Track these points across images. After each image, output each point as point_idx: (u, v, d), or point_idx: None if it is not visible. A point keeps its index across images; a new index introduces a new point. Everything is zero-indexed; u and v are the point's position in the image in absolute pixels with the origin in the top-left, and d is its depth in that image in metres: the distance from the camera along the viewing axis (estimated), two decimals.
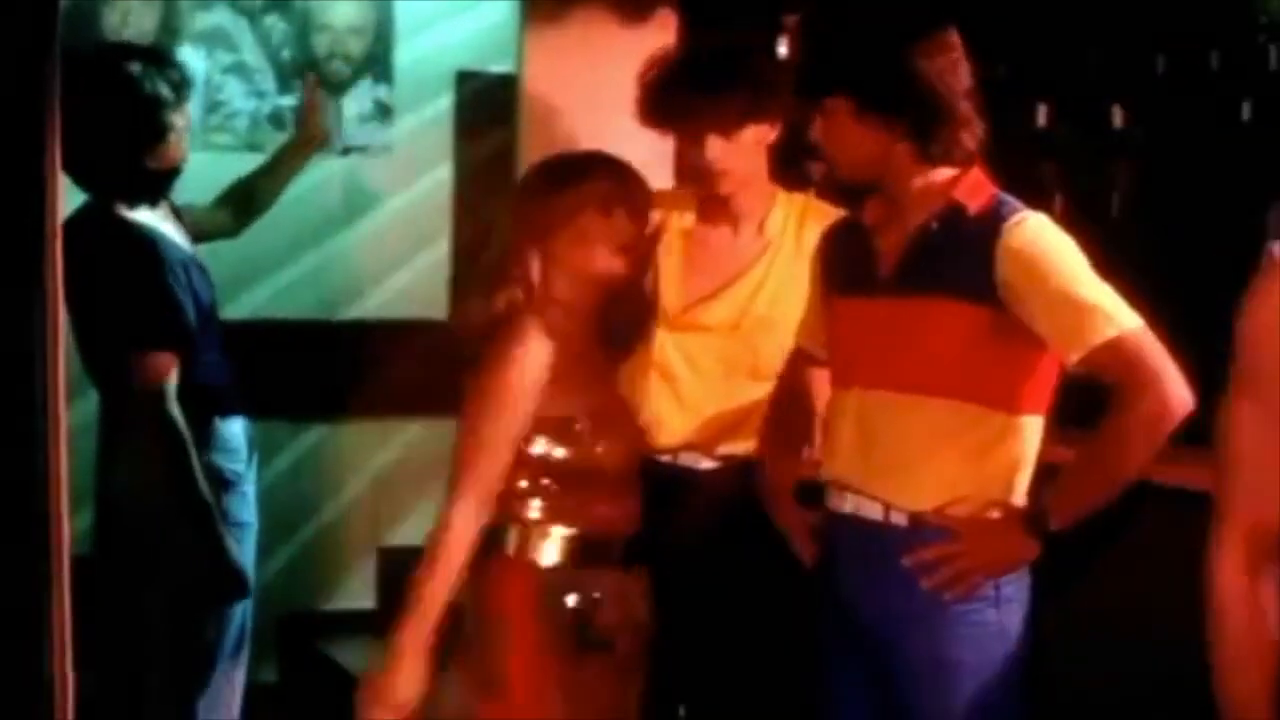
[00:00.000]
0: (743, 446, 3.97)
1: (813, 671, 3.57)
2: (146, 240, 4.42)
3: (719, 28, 4.36)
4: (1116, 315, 3.20)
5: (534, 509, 3.50)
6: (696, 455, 4.02)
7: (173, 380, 4.33)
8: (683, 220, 4.06)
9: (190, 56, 5.59)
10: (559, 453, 3.47)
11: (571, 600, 3.48)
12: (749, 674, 4.03)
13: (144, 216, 4.45)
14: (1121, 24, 5.15)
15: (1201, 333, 4.69)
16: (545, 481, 3.49)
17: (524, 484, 3.47)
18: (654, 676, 4.07)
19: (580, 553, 3.51)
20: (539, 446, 3.45)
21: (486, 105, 5.16)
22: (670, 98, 3.94)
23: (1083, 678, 3.91)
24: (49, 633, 3.31)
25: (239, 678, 4.69)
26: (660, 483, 4.00)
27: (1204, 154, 5.02)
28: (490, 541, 3.45)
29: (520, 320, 3.43)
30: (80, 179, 4.33)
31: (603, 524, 3.54)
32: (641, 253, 3.58)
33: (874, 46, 3.35)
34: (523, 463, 3.45)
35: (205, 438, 4.46)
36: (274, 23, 5.92)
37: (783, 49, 4.79)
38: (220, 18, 5.86)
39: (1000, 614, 3.32)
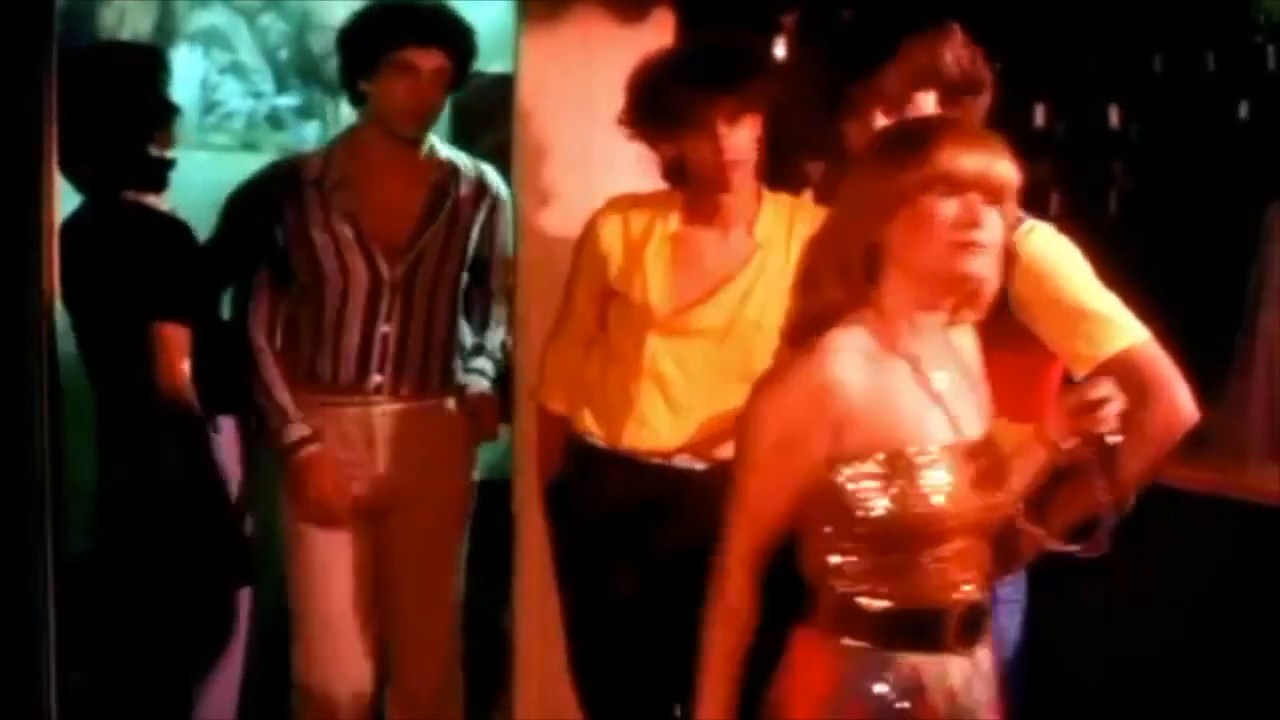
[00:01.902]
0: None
1: None
2: (164, 218, 4.52)
3: (716, 28, 4.35)
4: (1127, 327, 3.21)
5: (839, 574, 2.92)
6: (690, 458, 4.02)
7: (186, 358, 4.37)
8: (670, 223, 4.05)
9: (187, 56, 5.60)
10: (878, 501, 2.86)
11: (879, 688, 2.91)
12: (751, 669, 4.02)
13: (153, 202, 4.51)
14: (1118, 23, 5.14)
15: (1198, 333, 4.71)
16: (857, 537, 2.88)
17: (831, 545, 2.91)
18: (649, 677, 4.09)
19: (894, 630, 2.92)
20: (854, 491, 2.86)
21: (483, 105, 5.15)
22: (671, 99, 3.93)
23: (1077, 676, 3.91)
24: (42, 631, 3.31)
25: (236, 671, 4.71)
26: (654, 485, 4.00)
27: (1201, 154, 5.02)
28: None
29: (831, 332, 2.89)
30: (84, 173, 4.38)
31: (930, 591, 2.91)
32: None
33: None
34: (829, 517, 2.89)
35: (208, 427, 4.50)
36: (271, 22, 5.92)
37: (780, 49, 4.79)
38: (217, 17, 5.86)
39: (998, 617, 3.31)
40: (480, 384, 4.61)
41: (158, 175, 4.56)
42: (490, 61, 4.74)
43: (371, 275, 4.42)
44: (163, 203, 4.57)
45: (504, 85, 4.73)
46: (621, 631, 4.10)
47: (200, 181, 4.80)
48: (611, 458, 4.06)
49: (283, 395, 4.44)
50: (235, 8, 5.88)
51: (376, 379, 4.45)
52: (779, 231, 4.01)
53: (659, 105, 3.96)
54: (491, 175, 4.64)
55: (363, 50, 4.42)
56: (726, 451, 3.97)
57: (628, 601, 4.07)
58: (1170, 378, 3.19)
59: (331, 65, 4.93)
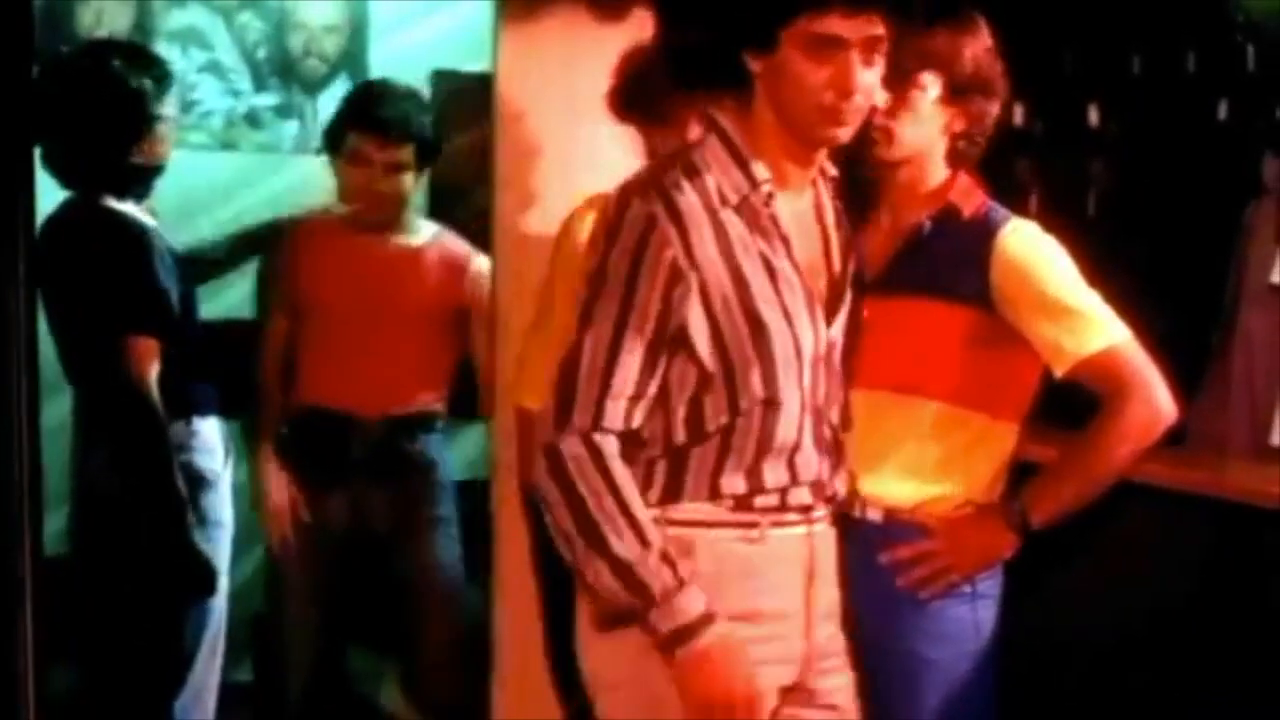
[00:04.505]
0: None
1: None
2: (134, 227, 4.47)
3: (696, 27, 4.34)
4: (1108, 326, 3.26)
5: None
6: None
7: (154, 368, 4.33)
8: None
9: (164, 55, 5.57)
10: None
11: None
12: None
13: (129, 209, 4.48)
14: (1098, 22, 5.15)
15: (1176, 331, 4.72)
16: None
17: None
18: None
19: None
20: None
21: (462, 104, 5.15)
22: (644, 92, 3.93)
23: (1054, 671, 3.91)
24: (19, 632, 3.30)
25: (214, 678, 4.69)
26: None
27: (1180, 153, 5.02)
28: None
29: None
30: (68, 174, 4.38)
31: None
32: None
33: None
34: None
35: (183, 436, 4.46)
36: (249, 21, 5.91)
37: None
38: (195, 16, 5.85)
39: (975, 611, 3.33)
40: None
41: (138, 182, 4.53)
42: (467, 60, 4.74)
43: None
44: (142, 208, 4.54)
45: (481, 84, 4.73)
46: None
47: (178, 180, 4.79)
48: None
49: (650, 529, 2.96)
50: (213, 7, 5.87)
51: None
52: None
53: (639, 95, 3.96)
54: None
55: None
56: None
57: None
58: (1150, 377, 3.23)
59: (309, 64, 4.93)
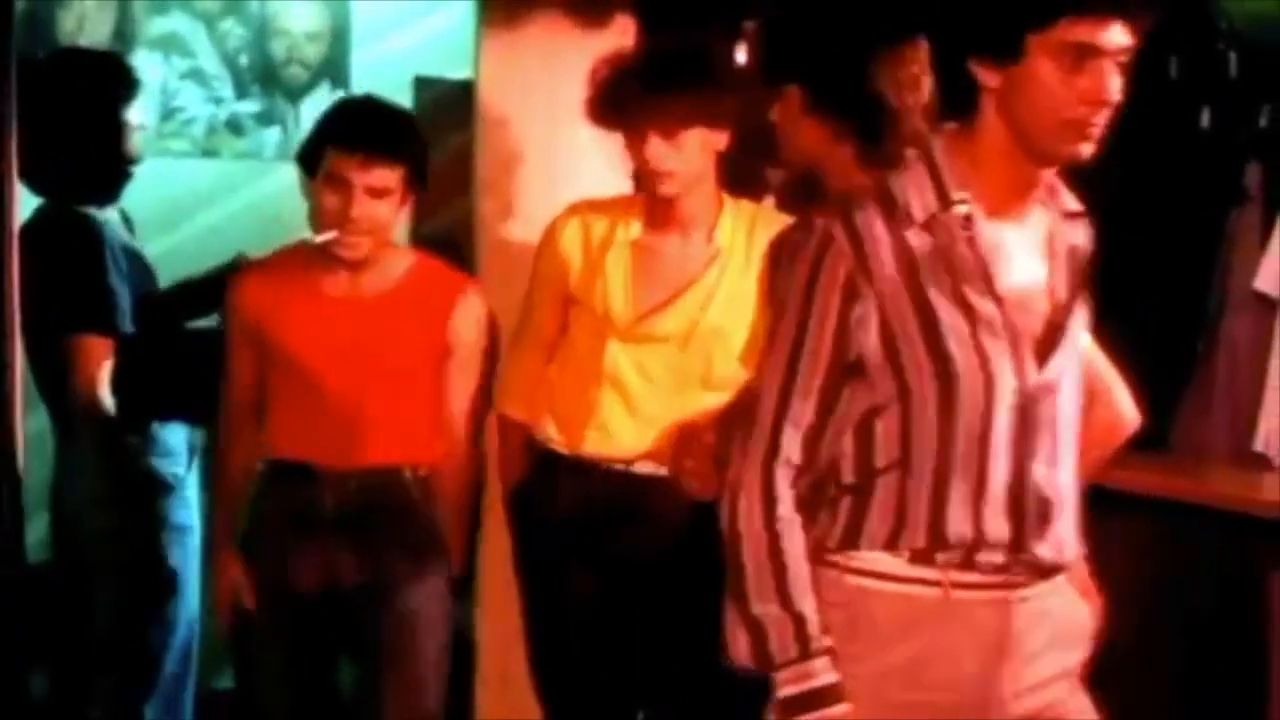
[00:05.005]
0: None
1: None
2: (88, 224, 4.45)
3: (676, 33, 4.33)
4: None
5: None
6: (651, 465, 4.00)
7: (105, 368, 4.31)
8: (630, 229, 4.04)
9: (146, 62, 5.56)
10: None
11: None
12: (704, 679, 4.01)
13: (95, 212, 4.47)
14: None
15: (1160, 337, 4.73)
16: None
17: None
18: (610, 682, 4.08)
19: None
20: None
21: (444, 111, 5.14)
22: (616, 97, 3.93)
23: None
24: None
25: (187, 685, 4.68)
26: (615, 492, 3.99)
27: (1164, 161, 5.02)
28: None
29: None
30: (37, 180, 4.36)
31: None
32: None
33: (833, 45, 3.37)
34: None
35: (144, 440, 4.45)
36: (231, 28, 5.90)
37: (741, 55, 4.78)
38: (176, 23, 5.84)
39: None
40: None
41: (109, 188, 4.51)
42: (449, 67, 4.73)
43: None
44: (112, 213, 4.52)
45: (463, 91, 4.73)
46: (583, 637, 4.09)
47: (160, 187, 4.79)
48: (573, 464, 4.04)
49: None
50: (195, 13, 5.86)
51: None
52: (740, 238, 4.00)
53: (605, 102, 3.96)
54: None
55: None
56: None
57: (589, 607, 4.07)
58: (1111, 382, 3.19)
59: (291, 71, 4.91)
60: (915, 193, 2.76)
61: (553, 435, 4.08)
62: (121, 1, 5.74)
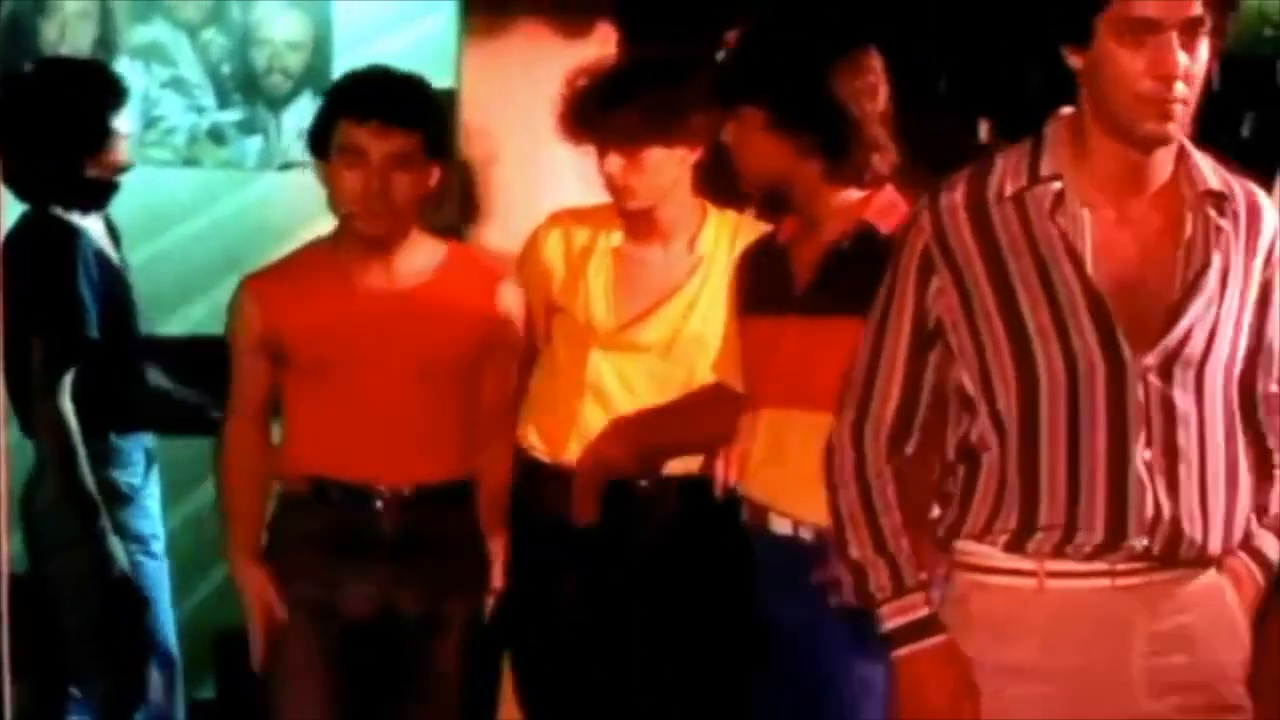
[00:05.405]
0: (681, 465, 3.97)
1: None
2: (64, 230, 4.45)
3: (656, 44, 4.34)
4: None
5: None
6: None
7: (67, 377, 4.31)
8: (611, 238, 4.05)
9: (128, 71, 5.55)
10: None
11: None
12: (693, 687, 4.02)
13: (76, 219, 4.46)
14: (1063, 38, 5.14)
15: None
16: None
17: None
18: (592, 691, 4.08)
19: None
20: None
21: None
22: (578, 113, 3.95)
23: None
24: None
25: (175, 693, 4.67)
26: (601, 500, 3.99)
27: None
28: None
29: None
30: (21, 187, 4.35)
31: None
32: None
33: (792, 62, 3.39)
34: None
35: (102, 450, 4.43)
36: (212, 37, 5.89)
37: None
38: (158, 32, 5.83)
39: None
40: None
41: (94, 196, 4.51)
42: (431, 76, 4.73)
43: None
44: (95, 221, 4.52)
45: (445, 100, 4.73)
46: (565, 645, 4.09)
47: (142, 196, 4.78)
48: (555, 472, 4.04)
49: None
50: (177, 22, 5.85)
51: None
52: (722, 247, 4.01)
53: (569, 118, 3.97)
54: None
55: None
56: (670, 466, 4.00)
57: (572, 615, 4.07)
58: None
59: (273, 80, 4.90)
60: (1010, 168, 2.80)
61: (535, 444, 4.08)
62: (104, 10, 5.73)
